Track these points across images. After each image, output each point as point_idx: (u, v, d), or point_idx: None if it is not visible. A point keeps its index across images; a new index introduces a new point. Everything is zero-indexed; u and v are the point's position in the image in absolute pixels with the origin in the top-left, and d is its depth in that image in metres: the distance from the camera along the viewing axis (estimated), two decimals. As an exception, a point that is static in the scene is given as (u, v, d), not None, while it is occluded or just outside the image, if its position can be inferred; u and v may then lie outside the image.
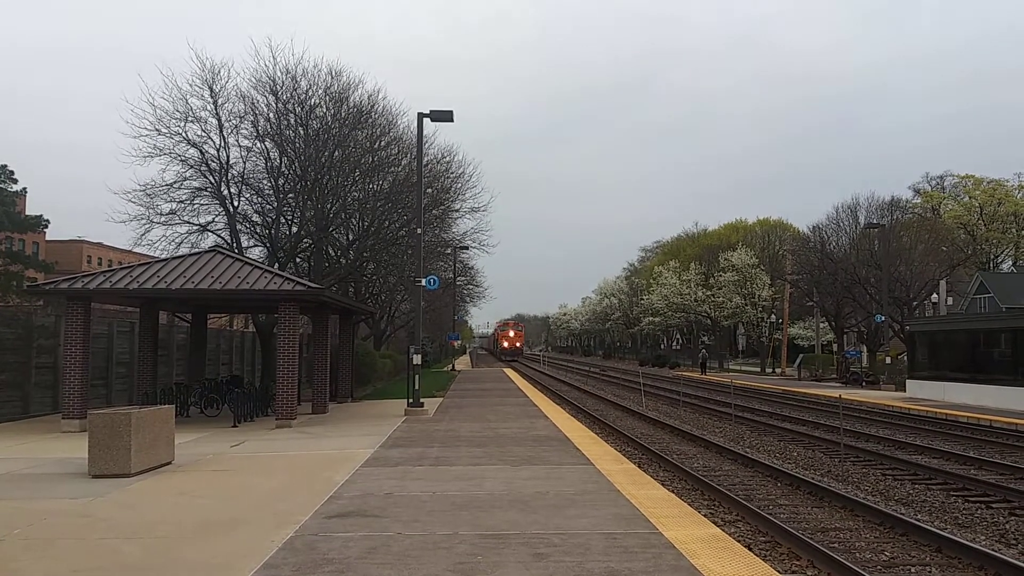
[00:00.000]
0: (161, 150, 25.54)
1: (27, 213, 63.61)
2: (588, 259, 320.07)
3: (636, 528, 8.30)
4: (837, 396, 21.02)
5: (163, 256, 23.56)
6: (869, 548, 9.99)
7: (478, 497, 9.97)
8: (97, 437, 11.56)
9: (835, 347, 56.88)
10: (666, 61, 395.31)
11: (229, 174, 26.58)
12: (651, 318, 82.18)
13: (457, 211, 38.94)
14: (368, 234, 30.89)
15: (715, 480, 14.36)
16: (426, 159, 29.09)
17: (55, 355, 20.96)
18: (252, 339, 34.26)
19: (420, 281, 22.93)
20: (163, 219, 25.97)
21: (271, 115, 27.71)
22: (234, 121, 26.83)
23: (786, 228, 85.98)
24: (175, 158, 25.90)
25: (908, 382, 33.78)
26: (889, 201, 57.32)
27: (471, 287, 62.31)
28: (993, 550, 9.72)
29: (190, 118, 25.75)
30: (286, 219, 28.54)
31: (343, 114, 29.13)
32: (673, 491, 12.21)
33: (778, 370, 60.50)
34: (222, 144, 26.37)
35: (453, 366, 63.79)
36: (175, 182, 25.97)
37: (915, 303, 48.46)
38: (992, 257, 77.94)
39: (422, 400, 22.15)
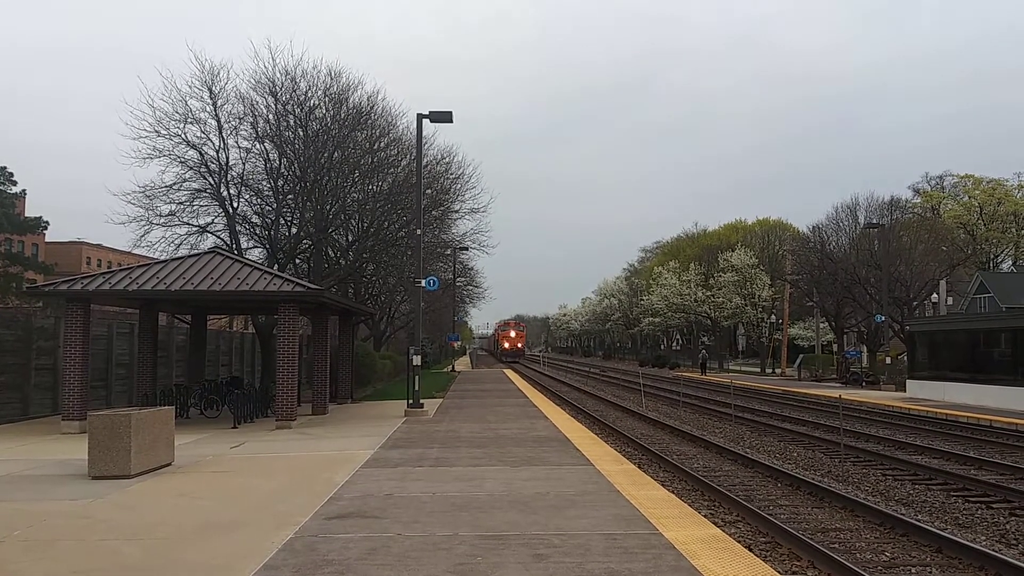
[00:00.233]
0: (160, 152, 25.56)
1: (26, 215, 63.74)
2: (588, 259, 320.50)
3: (636, 529, 8.29)
4: (837, 396, 21.01)
5: (162, 257, 23.56)
6: (869, 548, 9.98)
7: (478, 498, 9.97)
8: (97, 438, 11.55)
9: (835, 347, 56.87)
10: (666, 61, 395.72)
11: (228, 175, 26.59)
12: (651, 319, 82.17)
13: (457, 212, 38.93)
14: (368, 235, 30.89)
15: (715, 480, 14.35)
16: (426, 160, 29.11)
17: (55, 357, 20.95)
18: (252, 340, 34.24)
19: (420, 282, 22.92)
20: (162, 220, 25.99)
21: (270, 116, 27.74)
22: (233, 122, 26.87)
23: (786, 228, 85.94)
24: (174, 160, 25.93)
25: (908, 382, 33.77)
26: (889, 201, 57.39)
27: (471, 288, 62.40)
28: (993, 550, 9.71)
29: (189, 119, 25.78)
30: (285, 220, 28.53)
31: (342, 115, 29.13)
32: (673, 492, 12.21)
33: (778, 370, 60.48)
34: (221, 145, 26.40)
35: (453, 367, 63.81)
36: (174, 183, 25.99)
37: (915, 303, 48.45)
38: (992, 257, 77.94)
39: (422, 401, 22.15)
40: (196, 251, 23.88)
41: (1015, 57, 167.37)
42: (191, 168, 26.11)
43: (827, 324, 55.80)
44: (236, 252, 25.15)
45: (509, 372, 56.98)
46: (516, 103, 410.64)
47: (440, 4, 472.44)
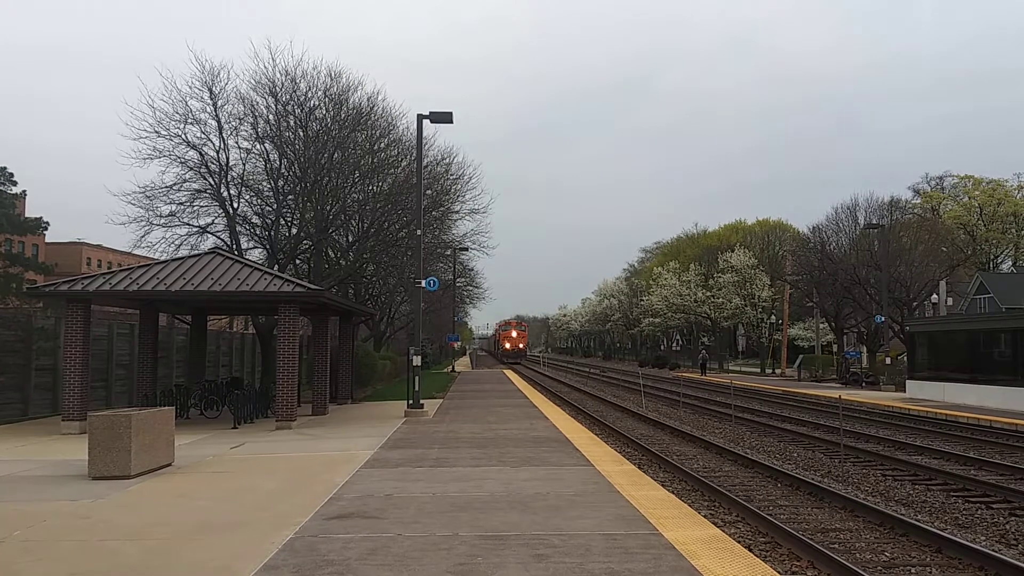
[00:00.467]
0: (161, 152, 25.57)
1: (27, 215, 63.74)
2: (588, 260, 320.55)
3: (636, 529, 8.29)
4: (837, 397, 21.00)
5: (163, 258, 23.55)
6: (869, 549, 9.99)
7: (478, 498, 9.97)
8: (97, 439, 11.55)
9: (835, 348, 56.89)
10: (666, 61, 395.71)
11: (229, 176, 26.58)
12: (651, 319, 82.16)
13: (457, 213, 38.99)
14: (368, 236, 30.89)
15: (715, 481, 14.35)
16: (426, 161, 29.09)
17: (55, 357, 20.96)
18: (252, 340, 34.25)
19: (420, 282, 22.92)
20: (163, 221, 25.99)
21: (271, 117, 27.75)
22: (233, 123, 26.87)
23: (786, 229, 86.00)
24: (175, 160, 25.93)
25: (908, 383, 33.76)
26: (889, 201, 57.50)
27: (471, 288, 62.39)
28: (993, 550, 9.71)
29: (189, 120, 25.78)
30: (286, 221, 28.54)
31: (342, 116, 29.13)
32: (673, 492, 12.22)
33: (778, 371, 60.48)
34: (222, 146, 26.40)
35: (453, 368, 63.84)
36: (175, 184, 26.00)
37: (915, 303, 48.46)
38: (992, 257, 78.00)
39: (422, 401, 22.15)
40: (196, 252, 23.87)
41: (1015, 57, 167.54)
42: (191, 169, 26.15)
43: (827, 325, 55.83)
44: (236, 253, 25.16)
45: (509, 373, 56.99)
46: (516, 103, 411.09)
47: (440, 4, 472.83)
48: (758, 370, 63.42)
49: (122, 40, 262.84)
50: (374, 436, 16.83)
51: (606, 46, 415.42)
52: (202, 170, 26.17)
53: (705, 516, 10.61)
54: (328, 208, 28.66)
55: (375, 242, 30.77)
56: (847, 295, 48.49)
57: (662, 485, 12.13)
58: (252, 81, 27.56)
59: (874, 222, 48.10)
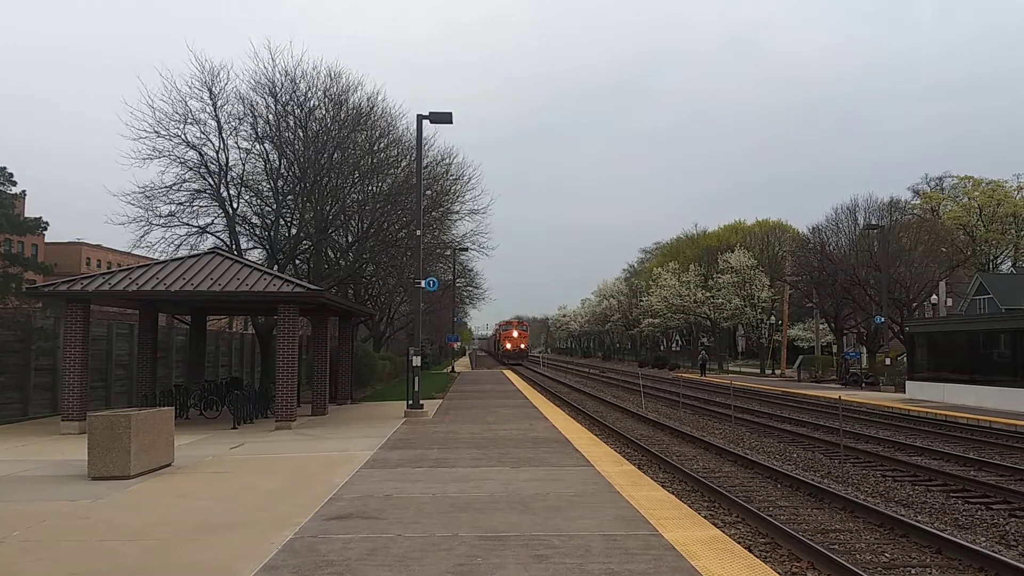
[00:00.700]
0: (160, 152, 25.57)
1: (26, 215, 63.76)
2: (587, 260, 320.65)
3: (636, 530, 8.29)
4: (837, 397, 21.01)
5: (162, 258, 23.55)
6: (869, 549, 9.98)
7: (478, 499, 9.97)
8: (96, 439, 11.55)
9: (835, 348, 56.92)
10: (666, 62, 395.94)
11: (228, 176, 26.58)
12: (650, 320, 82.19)
13: (457, 213, 38.98)
14: (367, 236, 30.89)
15: (715, 482, 14.34)
16: (426, 161, 29.11)
17: (54, 357, 20.95)
18: (252, 341, 34.24)
19: (420, 283, 22.92)
20: (162, 221, 25.99)
21: (270, 117, 27.75)
22: (233, 123, 26.88)
23: (785, 229, 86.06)
24: (174, 160, 25.94)
25: (908, 383, 33.76)
26: (888, 202, 57.53)
27: (470, 289, 62.45)
28: (993, 551, 9.71)
29: (189, 120, 25.79)
30: (285, 221, 28.54)
31: (342, 116, 29.13)
32: (673, 492, 12.21)
33: (778, 371, 60.49)
34: (221, 146, 26.40)
35: (452, 368, 63.82)
36: (174, 184, 26.00)
37: (915, 304, 48.48)
38: (991, 258, 78.03)
39: (422, 402, 22.15)
40: (196, 252, 23.87)
41: (1015, 57, 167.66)
42: (191, 169, 26.15)
43: (827, 325, 55.85)
44: (236, 253, 25.15)
45: (509, 373, 56.98)
46: (516, 103, 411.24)
47: (440, 4, 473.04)
48: (758, 371, 63.43)
49: (122, 40, 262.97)
50: (374, 436, 16.83)
51: (606, 46, 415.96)
52: (202, 170, 26.18)
53: (705, 517, 10.61)
54: (328, 208, 28.66)
55: (375, 242, 30.76)
56: (847, 296, 48.50)
57: (662, 486, 12.13)
58: (252, 81, 27.62)
59: (874, 223, 48.12)
